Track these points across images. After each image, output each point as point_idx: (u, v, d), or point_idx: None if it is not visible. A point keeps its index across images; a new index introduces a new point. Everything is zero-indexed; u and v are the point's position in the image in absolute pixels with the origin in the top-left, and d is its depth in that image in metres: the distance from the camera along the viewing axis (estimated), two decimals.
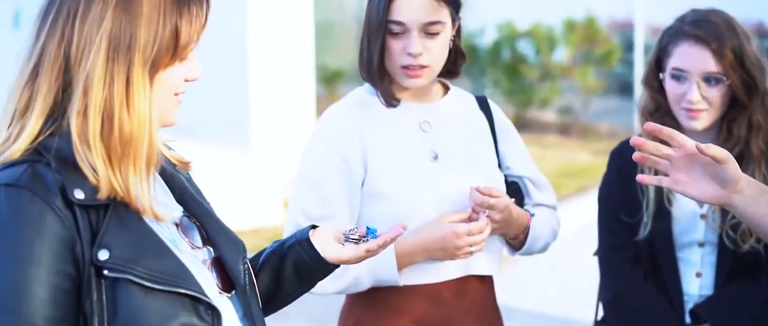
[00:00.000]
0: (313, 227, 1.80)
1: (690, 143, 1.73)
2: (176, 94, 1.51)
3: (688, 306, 2.42)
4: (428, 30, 2.13)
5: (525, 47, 13.24)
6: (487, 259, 2.22)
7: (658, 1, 14.17)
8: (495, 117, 2.36)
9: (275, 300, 1.79)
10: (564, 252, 3.36)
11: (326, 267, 1.77)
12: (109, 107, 1.41)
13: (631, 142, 1.80)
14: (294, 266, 1.76)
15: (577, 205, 7.27)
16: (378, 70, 2.16)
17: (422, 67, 2.14)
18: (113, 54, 1.41)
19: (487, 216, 2.13)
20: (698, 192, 1.76)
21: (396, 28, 2.12)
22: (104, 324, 1.38)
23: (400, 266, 2.13)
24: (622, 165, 2.45)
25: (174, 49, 1.46)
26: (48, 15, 1.44)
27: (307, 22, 8.75)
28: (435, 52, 2.14)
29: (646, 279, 2.44)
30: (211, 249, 1.59)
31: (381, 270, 2.12)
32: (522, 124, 13.09)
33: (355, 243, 1.76)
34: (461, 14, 2.23)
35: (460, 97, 2.36)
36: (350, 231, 1.78)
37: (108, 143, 1.41)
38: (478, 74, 14.10)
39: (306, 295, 1.97)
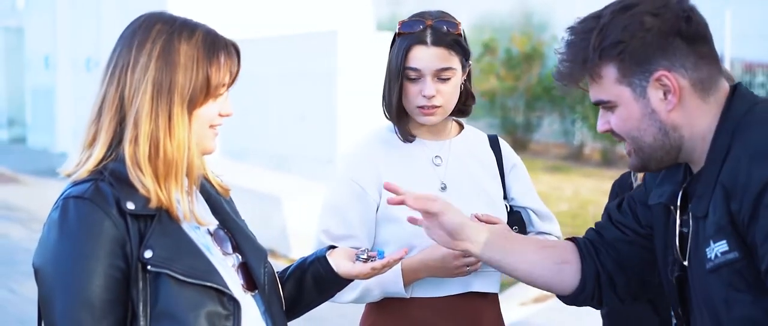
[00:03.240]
0: (333, 247, 2.15)
1: (414, 203, 2.06)
2: (211, 127, 1.89)
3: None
4: (440, 75, 2.41)
5: None
6: (485, 278, 2.49)
7: (748, 38, 14.13)
8: (503, 154, 2.62)
9: (299, 306, 2.14)
10: None
11: (340, 281, 2.11)
12: (155, 136, 1.79)
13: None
14: (313, 279, 2.11)
15: None
16: (397, 110, 2.45)
17: (435, 107, 2.42)
18: (157, 95, 1.79)
19: None
20: (435, 237, 2.09)
21: (412, 74, 2.41)
22: (147, 308, 1.75)
23: (406, 281, 2.42)
24: (620, 194, 2.72)
25: (207, 91, 1.84)
26: (108, 67, 1.84)
27: None
28: (446, 95, 2.42)
29: None
30: (240, 256, 1.95)
31: (389, 283, 2.41)
32: (608, 161, 13.21)
33: (364, 261, 2.09)
34: (470, 61, 2.51)
35: (473, 135, 2.63)
36: (361, 251, 2.11)
37: (155, 165, 1.79)
38: (567, 111, 14.28)
39: (331, 304, 2.31)
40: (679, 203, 1.88)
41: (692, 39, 1.78)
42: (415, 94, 2.42)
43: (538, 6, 18.64)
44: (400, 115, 2.47)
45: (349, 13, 12.82)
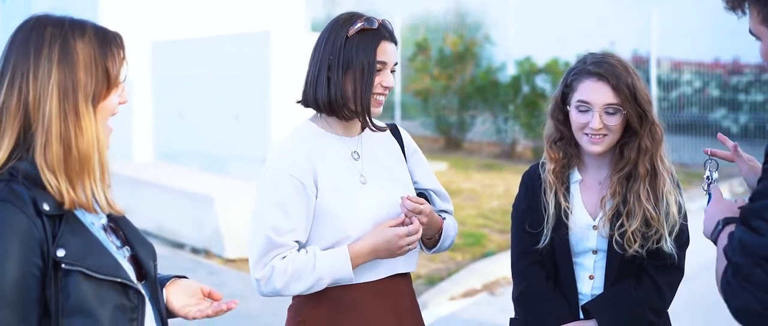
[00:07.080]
0: (180, 277, 2.23)
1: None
2: (112, 115, 1.97)
3: (582, 303, 2.78)
4: (393, 68, 2.61)
5: (543, 82, 13.58)
6: (408, 259, 2.68)
7: (675, 37, 14.48)
8: (404, 140, 2.80)
9: None
10: None
11: (167, 311, 2.16)
12: (66, 136, 1.85)
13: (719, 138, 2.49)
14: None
15: None
16: (368, 102, 2.55)
17: (384, 96, 2.60)
18: (63, 96, 1.86)
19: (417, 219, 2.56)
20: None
21: (379, 67, 2.55)
22: (58, 304, 1.82)
23: (353, 267, 2.53)
24: (530, 185, 2.86)
25: (108, 83, 1.92)
26: (3, 78, 1.88)
27: None
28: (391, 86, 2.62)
29: (547, 279, 2.81)
30: (129, 248, 2.04)
31: (339, 270, 2.51)
32: (540, 156, 13.40)
33: None
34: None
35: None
36: None
37: (68, 163, 1.85)
38: (499, 108, 14.49)
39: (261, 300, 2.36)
40: None
41: None
42: (376, 85, 2.57)
43: (472, 7, 18.86)
44: (369, 106, 2.57)
45: (283, 14, 12.86)
